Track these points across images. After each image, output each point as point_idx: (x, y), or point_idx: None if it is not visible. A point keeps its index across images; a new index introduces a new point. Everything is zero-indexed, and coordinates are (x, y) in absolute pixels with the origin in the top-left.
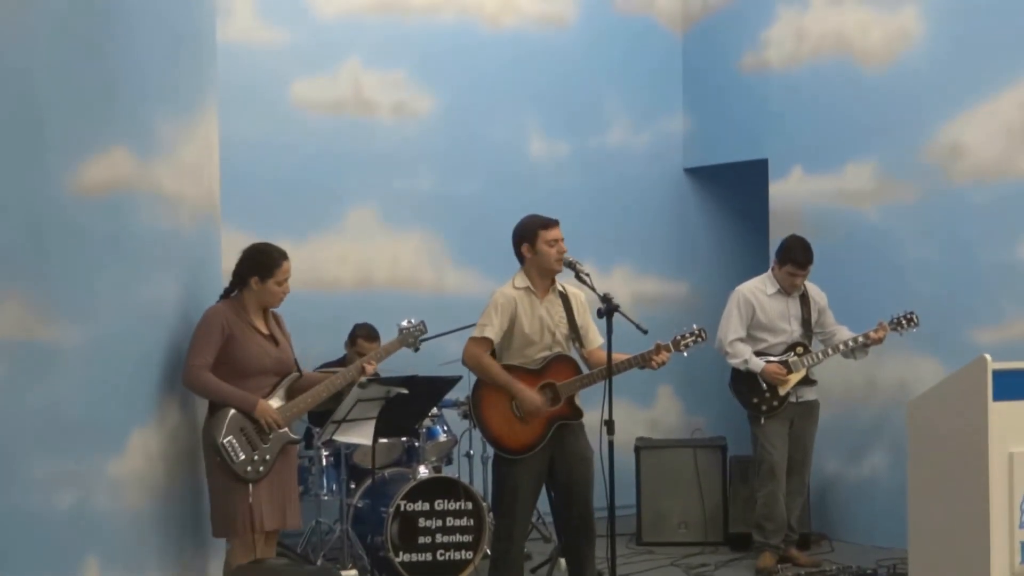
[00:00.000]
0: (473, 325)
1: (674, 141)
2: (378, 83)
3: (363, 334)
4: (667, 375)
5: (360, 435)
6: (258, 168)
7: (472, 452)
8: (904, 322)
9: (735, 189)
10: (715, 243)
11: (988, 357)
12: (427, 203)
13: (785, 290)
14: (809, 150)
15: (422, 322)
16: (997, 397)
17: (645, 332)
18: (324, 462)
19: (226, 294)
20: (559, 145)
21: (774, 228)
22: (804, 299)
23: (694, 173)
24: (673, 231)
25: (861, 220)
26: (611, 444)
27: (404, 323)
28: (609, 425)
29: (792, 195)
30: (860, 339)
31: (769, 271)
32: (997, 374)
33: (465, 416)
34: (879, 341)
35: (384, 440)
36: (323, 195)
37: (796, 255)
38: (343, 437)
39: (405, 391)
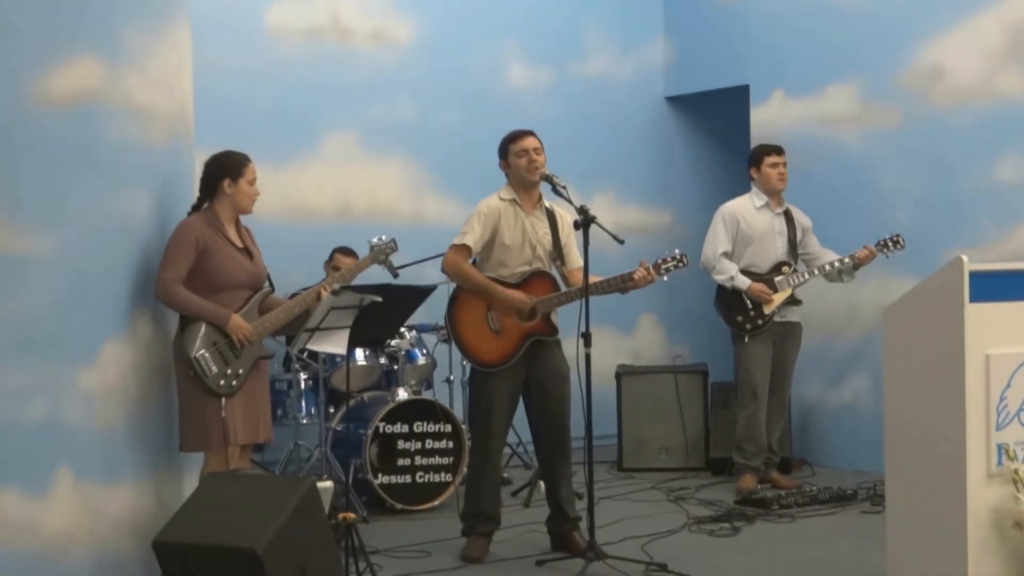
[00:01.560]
0: None
1: (655, 69)
2: (356, 10)
3: (340, 250)
4: (650, 303)
5: (334, 344)
6: (234, 96)
7: (452, 377)
8: (891, 244)
9: (717, 117)
10: (697, 171)
11: (965, 258)
12: (407, 131)
13: (774, 188)
14: (790, 75)
15: (393, 239)
16: (974, 299)
17: (621, 242)
18: (303, 385)
19: (196, 207)
20: (540, 73)
21: None
22: (789, 218)
23: (675, 101)
24: (655, 160)
25: (842, 144)
26: (588, 357)
27: (375, 240)
28: (586, 337)
29: (774, 121)
30: (846, 260)
31: (752, 189)
32: (974, 275)
33: (444, 340)
34: (865, 262)
35: (362, 363)
36: (300, 123)
37: (768, 146)
38: (317, 346)
39: (379, 299)
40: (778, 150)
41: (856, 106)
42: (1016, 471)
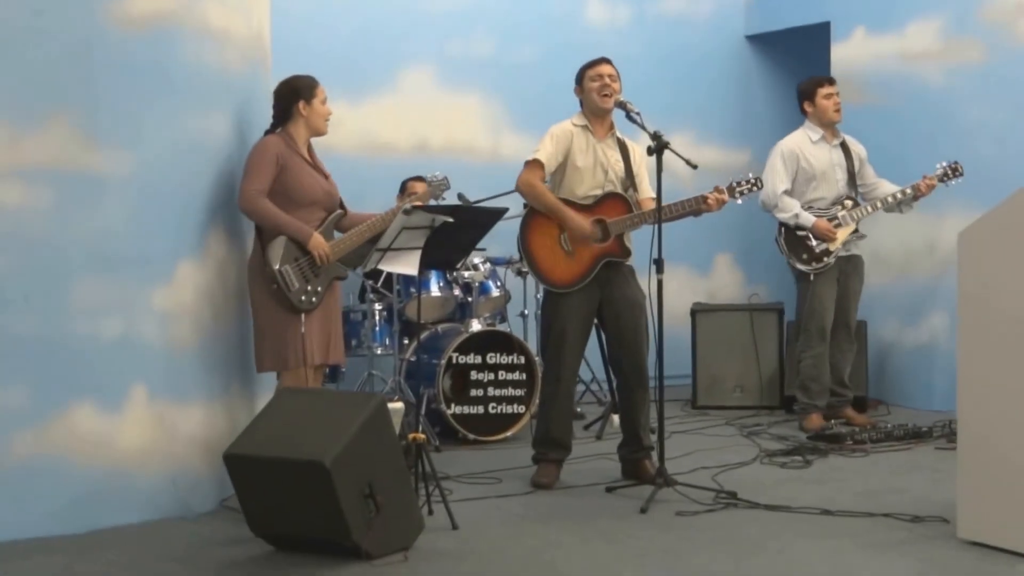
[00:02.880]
0: None
1: (735, 7)
2: None
3: (412, 179)
4: (726, 243)
5: (405, 265)
6: (310, 30)
7: (527, 312)
8: (950, 172)
9: (797, 55)
10: (776, 111)
11: None
12: (484, 68)
13: (829, 120)
14: (872, 11)
15: (446, 177)
16: None
17: (695, 167)
18: (377, 316)
19: (270, 131)
20: (619, 11)
21: None
22: (846, 150)
23: (755, 40)
24: (734, 99)
25: (924, 81)
26: (660, 283)
27: (430, 176)
28: (658, 264)
29: (855, 58)
30: (908, 191)
31: (805, 123)
32: None
33: (519, 274)
34: (926, 192)
35: (436, 294)
36: (377, 58)
37: (820, 77)
38: (388, 266)
39: (450, 219)
40: (831, 80)
41: (938, 42)
42: None
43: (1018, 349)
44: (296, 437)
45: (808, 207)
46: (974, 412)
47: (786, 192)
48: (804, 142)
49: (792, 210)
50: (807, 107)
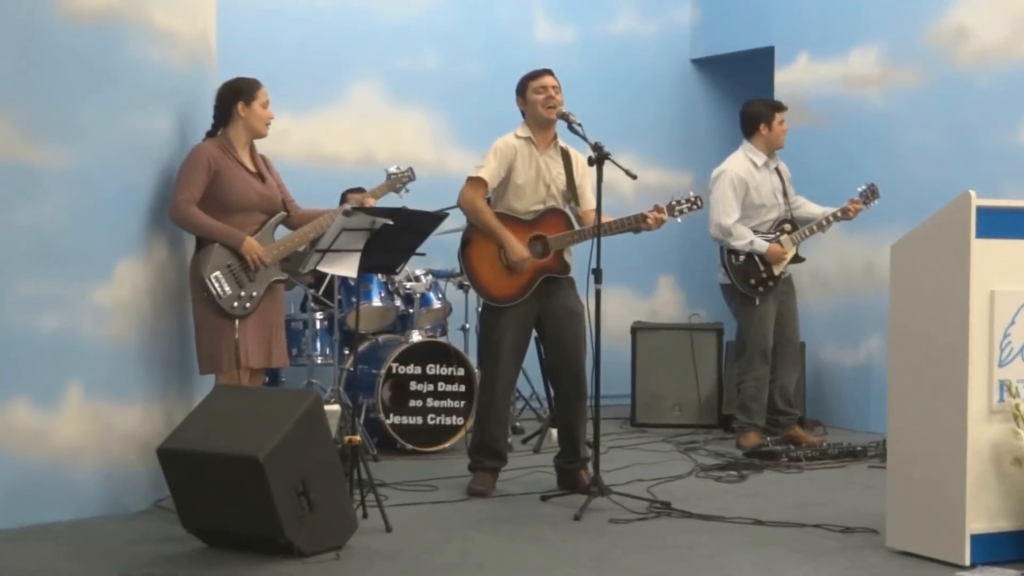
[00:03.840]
0: None
1: (681, 31)
2: None
3: (352, 191)
4: (668, 265)
5: (345, 267)
6: (259, 40)
7: (468, 326)
8: (870, 194)
9: (741, 80)
10: (720, 134)
11: (972, 193)
12: (431, 83)
13: (779, 146)
14: (815, 37)
15: (410, 168)
16: (981, 234)
17: (634, 178)
18: (318, 325)
19: (211, 133)
20: (565, 31)
21: None
22: (779, 173)
23: (701, 64)
24: (678, 121)
25: (865, 106)
26: (598, 293)
27: (393, 168)
28: (597, 274)
29: (798, 83)
30: (838, 213)
31: (746, 145)
32: (981, 211)
33: (460, 287)
34: (854, 215)
35: (377, 305)
36: (325, 70)
37: (774, 102)
38: (327, 268)
39: (390, 222)
40: (784, 107)
41: (879, 67)
42: (1017, 407)
43: (945, 361)
44: (230, 433)
45: (755, 231)
46: (903, 423)
47: (738, 220)
48: (750, 168)
49: (746, 237)
50: (762, 130)
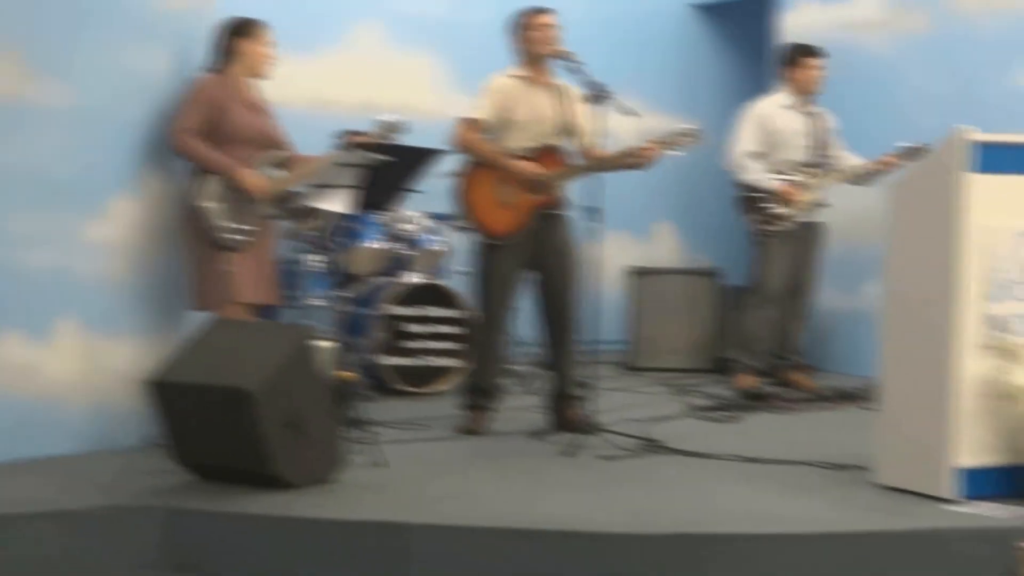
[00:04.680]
0: None
1: None
2: None
3: (351, 133)
4: (667, 211)
5: (338, 203)
6: None
7: (465, 269)
8: (915, 152)
9: (742, 24)
10: (721, 80)
11: (968, 127)
12: (435, 26)
13: (809, 91)
14: None
15: (399, 118)
16: (975, 169)
17: (637, 116)
18: (314, 267)
19: (212, 70)
20: None
21: None
22: (816, 119)
23: (700, 8)
24: (677, 66)
25: (870, 51)
26: (594, 231)
27: (384, 116)
28: (593, 212)
29: (802, 26)
30: (871, 166)
31: (780, 87)
32: (976, 146)
33: (458, 229)
34: (891, 167)
35: (375, 246)
36: (328, 13)
37: (809, 47)
38: (320, 203)
39: (385, 157)
40: (820, 52)
41: (885, 11)
42: (1006, 342)
43: (937, 297)
44: (221, 365)
45: (771, 171)
46: (894, 359)
47: (752, 154)
48: (774, 107)
49: (755, 172)
50: (788, 73)
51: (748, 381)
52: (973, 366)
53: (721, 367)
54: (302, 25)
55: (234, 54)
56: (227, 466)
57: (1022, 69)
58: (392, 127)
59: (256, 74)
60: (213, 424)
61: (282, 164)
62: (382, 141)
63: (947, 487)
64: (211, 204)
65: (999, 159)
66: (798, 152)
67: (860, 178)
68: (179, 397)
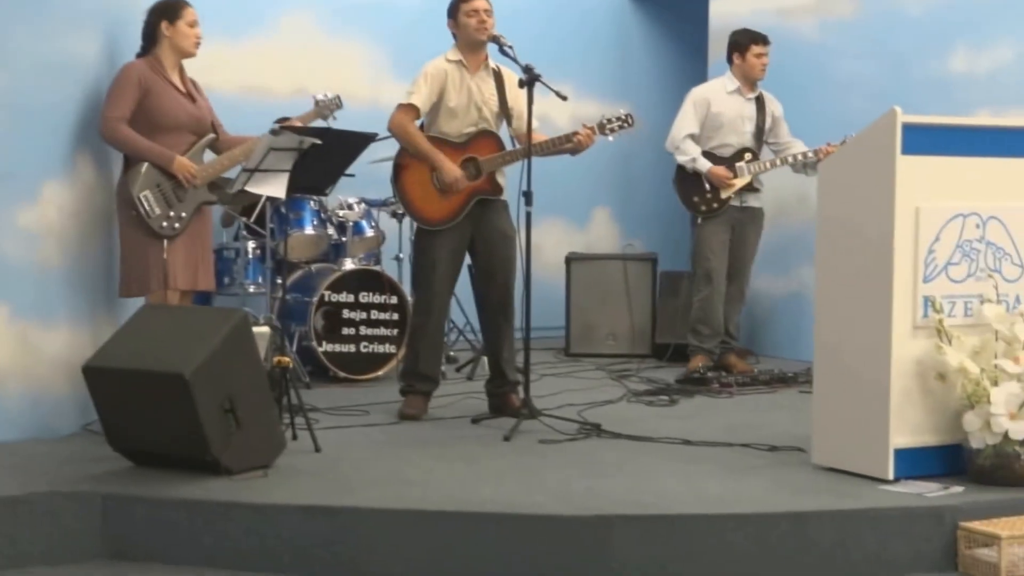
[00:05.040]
0: None
1: None
2: None
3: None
4: (604, 197)
5: (273, 187)
6: None
7: (402, 255)
8: None
9: (675, 11)
10: (655, 66)
11: (898, 109)
12: (366, 12)
13: (754, 77)
14: None
15: (338, 96)
16: (906, 151)
17: (564, 99)
18: (250, 254)
19: (141, 55)
20: None
21: (713, 48)
22: (760, 104)
23: None
24: (613, 54)
25: (799, 35)
26: (528, 216)
27: (320, 95)
28: (527, 196)
29: (732, 13)
30: (809, 154)
31: (727, 72)
32: (907, 127)
33: (394, 216)
34: (825, 156)
35: (310, 233)
36: None
37: (756, 34)
38: (256, 188)
39: (318, 142)
40: (765, 40)
41: None
42: (941, 323)
43: (870, 277)
44: (157, 350)
45: (709, 154)
46: (829, 340)
47: (691, 136)
48: (718, 91)
49: (691, 154)
50: (736, 59)
51: (699, 363)
52: (908, 347)
53: (659, 352)
54: (234, 11)
55: (160, 37)
56: (164, 452)
57: (951, 52)
58: (329, 105)
59: (182, 54)
60: (150, 410)
61: (214, 147)
62: (321, 117)
63: (884, 467)
64: (144, 192)
65: (929, 141)
66: (741, 137)
67: (800, 166)
68: (115, 383)
